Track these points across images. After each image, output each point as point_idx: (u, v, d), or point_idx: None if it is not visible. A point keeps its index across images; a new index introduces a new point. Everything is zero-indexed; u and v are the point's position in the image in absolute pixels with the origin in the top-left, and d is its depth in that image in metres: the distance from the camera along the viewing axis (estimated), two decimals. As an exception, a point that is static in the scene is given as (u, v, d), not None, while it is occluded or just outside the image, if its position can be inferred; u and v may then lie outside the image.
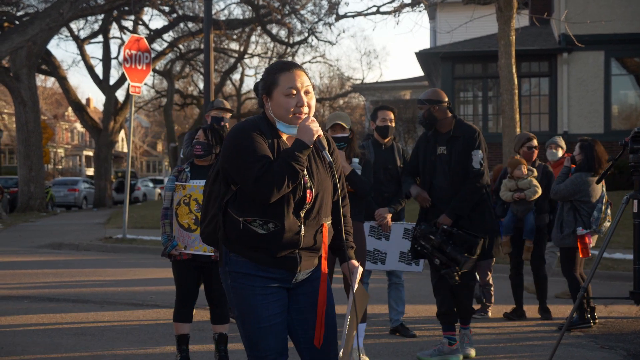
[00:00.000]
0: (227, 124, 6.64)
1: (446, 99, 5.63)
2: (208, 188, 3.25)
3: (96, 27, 31.90)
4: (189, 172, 5.18)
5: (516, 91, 12.53)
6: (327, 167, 3.16)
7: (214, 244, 3.24)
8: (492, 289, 7.45)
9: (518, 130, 12.40)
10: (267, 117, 3.14)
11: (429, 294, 6.60)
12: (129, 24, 32.65)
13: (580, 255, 6.76)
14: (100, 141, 30.88)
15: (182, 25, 31.46)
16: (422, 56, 21.64)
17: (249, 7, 30.85)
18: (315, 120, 3.07)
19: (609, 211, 6.81)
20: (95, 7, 26.22)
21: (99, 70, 32.34)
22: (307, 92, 3.10)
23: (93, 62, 34.37)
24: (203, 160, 5.19)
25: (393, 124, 6.40)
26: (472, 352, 5.68)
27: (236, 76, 41.73)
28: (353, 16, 27.72)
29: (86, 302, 7.88)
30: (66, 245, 13.91)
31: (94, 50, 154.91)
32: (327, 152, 3.10)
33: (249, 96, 42.22)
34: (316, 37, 31.70)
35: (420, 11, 18.92)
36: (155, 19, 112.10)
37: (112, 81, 31.82)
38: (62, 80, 30.40)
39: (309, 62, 38.71)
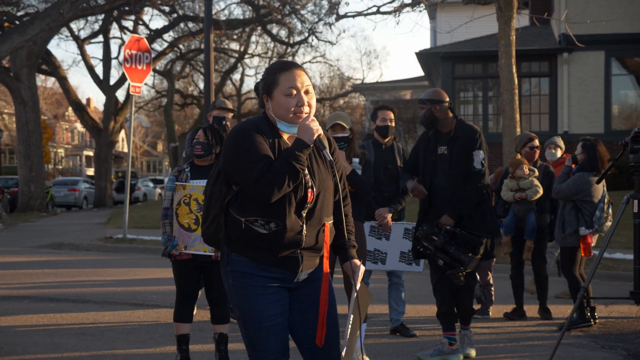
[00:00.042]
0: (228, 124, 6.65)
1: (447, 99, 5.63)
2: (209, 189, 3.25)
3: (96, 27, 31.92)
4: (189, 172, 5.18)
5: (516, 91, 12.52)
6: (328, 166, 3.16)
7: (216, 244, 3.24)
8: (493, 289, 7.45)
9: (518, 130, 12.40)
10: (268, 117, 3.14)
11: (429, 294, 6.60)
12: (129, 24, 32.68)
13: (583, 255, 6.76)
14: (101, 141, 30.89)
15: (182, 25, 31.46)
16: (422, 56, 21.64)
17: (249, 7, 30.85)
18: (315, 119, 3.07)
19: (610, 210, 6.82)
20: (95, 7, 26.22)
21: (99, 70, 32.37)
22: (307, 92, 3.11)
23: (93, 62, 34.46)
24: (203, 160, 5.19)
25: (393, 124, 6.40)
26: (473, 352, 5.68)
27: (236, 76, 41.79)
28: (353, 16, 27.73)
29: (86, 302, 7.88)
30: (66, 245, 13.92)
31: (94, 50, 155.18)
32: (328, 151, 3.10)
33: (249, 96, 42.21)
34: (316, 37, 31.73)
35: (420, 11, 18.90)
36: (155, 19, 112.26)
37: (112, 81, 31.84)
38: (63, 80, 30.40)
39: (309, 62, 38.71)
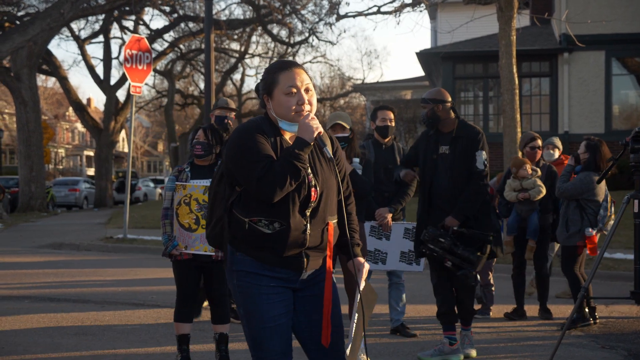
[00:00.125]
0: (230, 122, 6.65)
1: (449, 99, 5.63)
2: (213, 190, 3.25)
3: (97, 27, 31.95)
4: (189, 172, 5.19)
5: (517, 91, 12.53)
6: (329, 163, 3.16)
7: (220, 246, 3.24)
8: (493, 288, 7.45)
9: (519, 130, 12.40)
10: (269, 117, 3.15)
11: (429, 293, 6.60)
12: (129, 24, 32.70)
13: (590, 254, 6.80)
14: (101, 141, 30.89)
15: (182, 25, 31.47)
16: (422, 56, 21.64)
17: (250, 7, 30.86)
18: (315, 117, 3.07)
19: (613, 209, 6.83)
20: (96, 7, 26.23)
21: (99, 70, 32.40)
22: (307, 90, 3.10)
23: (94, 62, 34.56)
24: (203, 160, 5.20)
25: (393, 124, 6.40)
26: (473, 352, 5.67)
27: (237, 76, 41.80)
28: (354, 16, 27.74)
29: (87, 302, 7.88)
30: (67, 245, 13.92)
31: (95, 50, 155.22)
32: (328, 149, 3.09)
33: (250, 96, 42.22)
34: (317, 37, 31.73)
35: (421, 11, 18.92)
36: (156, 19, 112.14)
37: (112, 81, 31.84)
38: (63, 80, 30.41)
39: (310, 62, 38.71)
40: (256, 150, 3.00)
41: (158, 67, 34.31)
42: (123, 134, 56.17)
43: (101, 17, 30.00)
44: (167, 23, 30.75)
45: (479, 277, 7.07)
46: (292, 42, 33.59)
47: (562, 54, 18.55)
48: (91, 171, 54.79)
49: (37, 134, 24.48)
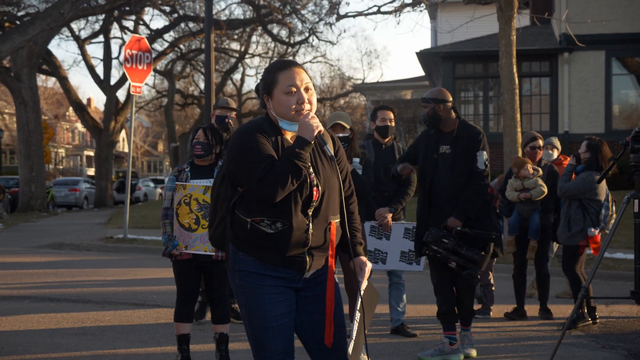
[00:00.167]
0: (231, 122, 6.65)
1: (450, 99, 5.63)
2: (215, 192, 3.25)
3: (97, 27, 31.94)
4: (189, 171, 5.19)
5: (517, 91, 12.51)
6: (329, 161, 3.15)
7: (223, 247, 3.24)
8: (493, 288, 7.45)
9: (519, 130, 12.39)
10: (270, 117, 3.14)
11: (429, 293, 6.60)
12: (129, 24, 32.70)
13: (593, 253, 6.81)
14: (101, 141, 30.89)
15: (182, 25, 31.47)
16: (423, 56, 21.64)
17: (250, 7, 30.85)
18: (315, 116, 3.07)
19: (614, 208, 6.83)
20: (96, 7, 26.23)
21: (99, 70, 32.40)
22: (307, 89, 3.10)
23: (94, 62, 34.57)
24: (203, 160, 5.20)
25: (393, 124, 6.40)
26: (473, 352, 5.67)
27: (237, 76, 41.80)
28: (354, 16, 27.74)
29: (87, 302, 7.88)
30: (67, 245, 13.92)
31: (95, 50, 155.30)
32: (329, 147, 3.09)
33: (250, 96, 42.22)
34: (317, 37, 31.73)
35: (421, 11, 18.90)
36: (156, 19, 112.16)
37: (113, 81, 31.85)
38: (63, 80, 30.41)
39: (310, 62, 38.71)
40: (257, 150, 3.00)
41: (158, 67, 34.31)
42: (123, 134, 56.18)
43: (101, 17, 30.01)
44: (167, 23, 30.76)
45: (479, 276, 7.08)
46: (292, 42, 33.60)
47: (562, 53, 18.55)
48: (91, 171, 54.81)
49: (37, 134, 24.48)
